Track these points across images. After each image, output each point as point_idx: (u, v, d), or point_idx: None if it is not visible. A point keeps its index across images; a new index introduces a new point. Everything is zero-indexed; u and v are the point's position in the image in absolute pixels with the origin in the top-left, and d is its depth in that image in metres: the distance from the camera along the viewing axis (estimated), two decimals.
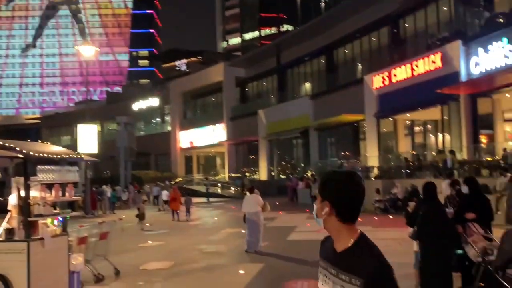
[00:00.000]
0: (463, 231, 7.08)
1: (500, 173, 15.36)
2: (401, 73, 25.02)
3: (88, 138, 34.67)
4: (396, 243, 11.78)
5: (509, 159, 18.10)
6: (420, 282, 7.23)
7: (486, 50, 19.99)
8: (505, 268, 6.59)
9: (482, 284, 6.68)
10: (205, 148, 50.22)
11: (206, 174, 49.02)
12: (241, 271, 9.59)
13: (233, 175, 43.56)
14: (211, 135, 46.98)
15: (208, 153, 53.64)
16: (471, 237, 6.99)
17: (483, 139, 21.84)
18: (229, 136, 44.74)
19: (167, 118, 55.94)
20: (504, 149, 18.97)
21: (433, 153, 24.29)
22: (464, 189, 7.68)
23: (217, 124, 46.40)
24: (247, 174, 42.25)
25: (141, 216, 17.84)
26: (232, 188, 40.35)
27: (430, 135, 28.29)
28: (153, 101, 56.71)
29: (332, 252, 2.14)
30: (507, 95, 20.85)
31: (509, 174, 14.71)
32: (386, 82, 26.18)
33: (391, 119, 27.59)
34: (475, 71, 20.60)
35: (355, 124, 30.97)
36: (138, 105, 57.28)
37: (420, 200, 7.53)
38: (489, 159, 19.93)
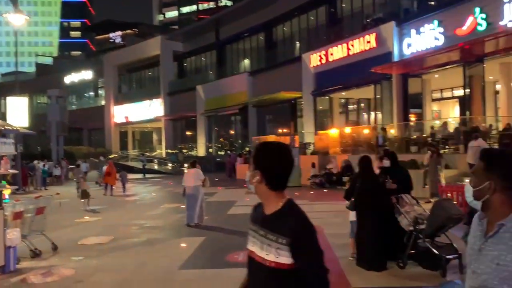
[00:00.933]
0: (396, 202, 7.50)
1: (428, 149, 16.23)
2: (338, 52, 25.63)
3: (18, 112, 32.99)
4: (332, 215, 12.26)
5: (436, 136, 19.18)
6: (355, 251, 7.63)
7: (418, 32, 20.88)
8: (434, 236, 7.11)
9: (412, 251, 7.16)
10: (141, 124, 49.26)
11: (142, 150, 48.17)
12: (183, 244, 9.64)
13: (170, 151, 43.09)
14: (148, 110, 46.07)
15: (144, 129, 52.66)
16: (403, 207, 7.43)
17: (413, 118, 22.93)
18: (166, 111, 44.07)
19: (101, 92, 54.18)
20: (432, 127, 20.05)
21: (366, 130, 25.22)
22: (386, 163, 8.14)
23: (153, 99, 45.53)
24: (184, 150, 41.95)
25: (84, 194, 16.29)
26: (170, 165, 39.97)
27: (364, 113, 29.37)
28: (86, 74, 54.67)
29: (262, 216, 2.32)
30: (435, 75, 21.95)
31: (430, 150, 15.61)
32: (323, 61, 26.74)
33: (327, 97, 28.29)
34: (407, 52, 21.49)
35: (293, 102, 31.47)
36: (70, 78, 55.03)
37: (356, 173, 7.87)
38: (417, 136, 20.99)
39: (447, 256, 6.78)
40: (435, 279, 6.58)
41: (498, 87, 20.38)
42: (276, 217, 2.24)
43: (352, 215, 7.71)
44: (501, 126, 17.61)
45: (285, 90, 29.70)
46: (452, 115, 24.71)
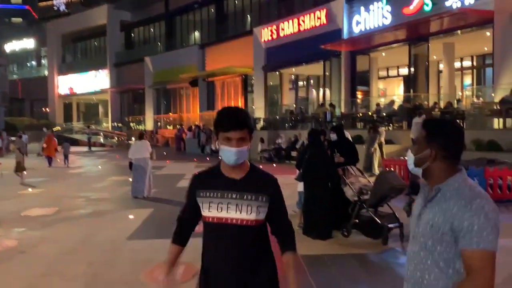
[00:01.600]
0: (342, 173, 7.73)
1: (372, 126, 16.72)
2: (289, 27, 25.66)
3: None
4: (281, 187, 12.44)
5: (381, 113, 19.76)
6: (302, 221, 7.84)
7: (367, 10, 21.20)
8: (377, 206, 7.39)
9: (357, 220, 7.43)
10: (86, 95, 47.69)
11: (87, 123, 46.79)
12: (131, 216, 9.54)
13: (116, 124, 42.12)
14: (93, 81, 44.65)
15: (89, 101, 51.03)
16: (349, 179, 7.67)
17: (359, 95, 23.45)
18: (113, 83, 42.88)
19: (44, 61, 51.89)
20: (377, 104, 20.61)
21: (315, 106, 25.62)
22: (333, 136, 8.36)
23: (99, 70, 44.13)
24: (131, 123, 41.13)
25: (18, 167, 15.37)
26: (116, 138, 39.12)
27: (313, 89, 29.74)
28: (28, 43, 52.25)
29: (228, 181, 2.40)
30: (382, 53, 22.46)
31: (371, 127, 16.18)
32: (274, 36, 26.71)
33: (278, 73, 28.39)
34: (356, 30, 21.81)
35: (244, 76, 31.37)
36: (11, 46, 52.38)
37: (305, 145, 8.03)
38: (363, 113, 21.54)
39: (389, 225, 7.10)
40: (377, 247, 6.88)
41: (441, 66, 21.13)
42: (250, 179, 2.40)
43: (300, 186, 7.89)
44: (442, 104, 18.35)
45: (236, 64, 29.54)
46: (397, 93, 25.47)
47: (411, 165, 2.18)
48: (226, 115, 2.40)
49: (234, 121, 2.37)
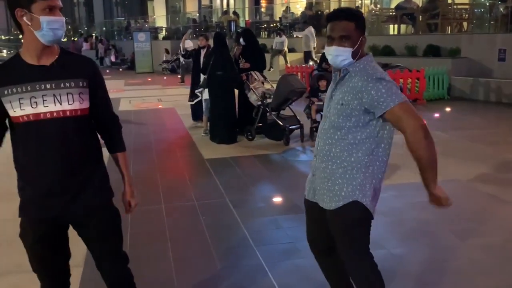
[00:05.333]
0: (246, 78, 7.75)
1: (277, 33, 16.73)
2: None
3: None
4: (184, 98, 12.27)
5: (283, 22, 19.74)
6: (208, 127, 7.90)
7: None
8: (279, 109, 7.59)
9: (260, 124, 7.62)
10: None
11: None
12: None
13: (3, 37, 38.43)
14: None
15: None
16: (252, 84, 7.73)
17: (263, 3, 23.15)
18: None
19: None
20: (287, 9, 20.37)
21: (219, 14, 24.98)
22: (241, 42, 8.27)
23: None
24: (20, 36, 37.66)
25: None
26: (4, 51, 35.84)
27: None
28: None
29: (37, 70, 2.01)
30: None
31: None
32: None
33: None
34: None
35: None
36: None
37: (211, 50, 7.88)
38: (268, 21, 21.41)
39: (291, 127, 7.37)
40: (279, 147, 7.17)
41: None
42: (63, 64, 2.05)
43: (206, 94, 7.84)
44: None
45: None
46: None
47: (339, 59, 2.21)
48: None
49: None
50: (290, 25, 19.44)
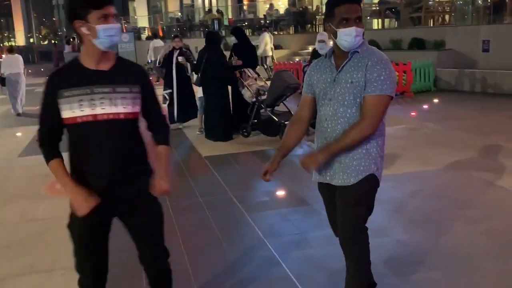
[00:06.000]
0: (240, 76, 7.81)
1: (263, 30, 16.79)
2: None
3: None
4: None
5: (268, 19, 19.82)
6: (203, 125, 7.95)
7: None
8: (274, 105, 7.68)
9: (255, 120, 7.69)
10: None
11: None
12: (18, 134, 9.03)
13: None
14: None
15: None
16: (246, 81, 7.79)
17: (246, 1, 23.17)
18: None
19: None
20: (271, 6, 20.43)
21: (201, 13, 24.92)
22: (232, 39, 8.32)
23: None
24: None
25: None
26: None
27: None
28: None
29: (95, 74, 2.15)
30: None
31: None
32: None
33: None
34: None
35: None
36: None
37: (203, 48, 7.91)
38: (251, 18, 21.42)
39: (286, 122, 7.43)
40: (275, 143, 7.22)
41: None
42: (118, 70, 2.20)
43: (200, 91, 7.88)
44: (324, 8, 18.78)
45: None
46: None
47: (350, 40, 2.30)
48: None
49: None
50: (275, 22, 19.52)
